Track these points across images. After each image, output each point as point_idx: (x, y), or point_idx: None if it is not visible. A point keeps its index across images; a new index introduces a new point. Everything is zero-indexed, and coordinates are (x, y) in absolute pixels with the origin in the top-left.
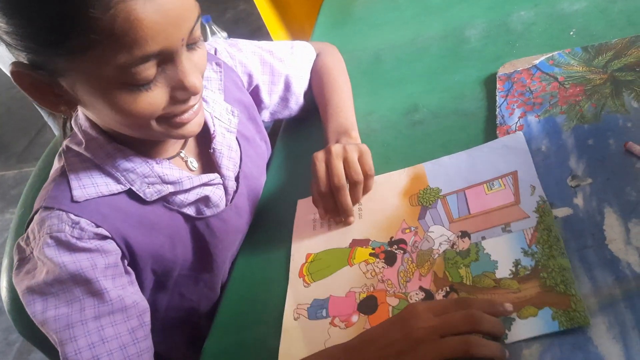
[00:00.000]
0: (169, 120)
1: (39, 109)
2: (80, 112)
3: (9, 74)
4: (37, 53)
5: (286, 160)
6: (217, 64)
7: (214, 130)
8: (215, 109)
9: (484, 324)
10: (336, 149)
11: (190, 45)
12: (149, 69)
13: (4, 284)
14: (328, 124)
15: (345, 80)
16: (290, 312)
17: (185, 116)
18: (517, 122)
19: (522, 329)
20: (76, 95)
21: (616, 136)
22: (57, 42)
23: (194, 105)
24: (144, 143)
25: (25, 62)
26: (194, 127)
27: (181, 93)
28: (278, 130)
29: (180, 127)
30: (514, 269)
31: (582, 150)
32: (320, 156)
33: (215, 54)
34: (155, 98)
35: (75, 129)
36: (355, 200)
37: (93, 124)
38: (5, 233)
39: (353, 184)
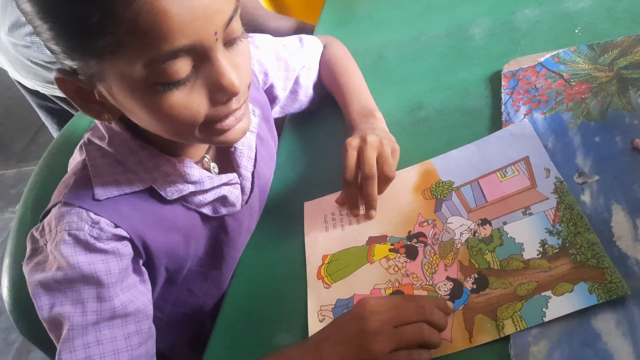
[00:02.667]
0: (211, 127)
1: (37, 110)
2: None
3: (9, 73)
4: (72, 57)
5: (291, 156)
6: None
7: None
8: None
9: (433, 315)
10: (372, 140)
11: (229, 42)
12: (181, 66)
13: (5, 283)
14: (350, 107)
15: (356, 67)
16: (315, 315)
17: (227, 122)
18: (522, 119)
19: (561, 305)
20: (116, 101)
21: (623, 133)
22: (86, 44)
23: (238, 109)
24: (168, 143)
25: (67, 68)
26: (237, 134)
27: (220, 94)
28: (281, 127)
29: (221, 134)
30: (541, 249)
31: (588, 148)
32: (354, 143)
33: None
34: (192, 100)
35: (98, 123)
36: (379, 193)
37: (118, 119)
38: (5, 232)
39: (383, 179)
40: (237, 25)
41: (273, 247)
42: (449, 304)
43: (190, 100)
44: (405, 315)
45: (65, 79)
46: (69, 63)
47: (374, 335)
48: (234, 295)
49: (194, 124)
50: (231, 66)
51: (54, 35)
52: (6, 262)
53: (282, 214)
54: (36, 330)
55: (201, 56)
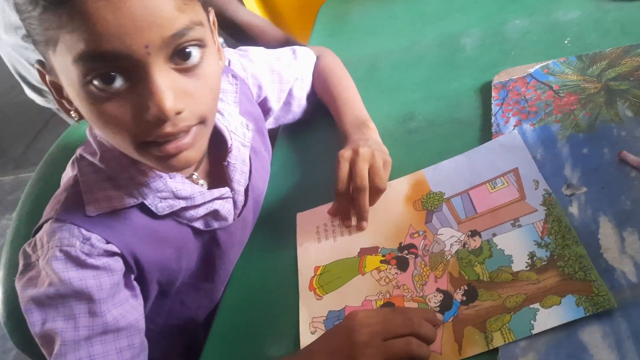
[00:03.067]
0: (147, 149)
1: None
2: None
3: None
4: (37, 49)
5: (285, 167)
6: (234, 76)
7: (230, 144)
8: (230, 122)
9: (422, 327)
10: (364, 152)
11: (179, 59)
12: (109, 72)
13: (0, 296)
14: (343, 117)
15: (349, 78)
16: (306, 327)
17: (166, 147)
18: (512, 130)
19: (548, 317)
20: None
21: (610, 145)
22: (36, 37)
23: (176, 134)
24: None
25: (40, 58)
26: (178, 163)
27: (146, 114)
28: (274, 137)
29: (160, 160)
30: (530, 261)
31: (576, 159)
32: (346, 155)
33: (229, 65)
34: (122, 113)
35: (90, 139)
36: (371, 204)
37: None
38: (2, 239)
39: (375, 191)
40: (195, 47)
41: (266, 258)
42: (439, 315)
43: (120, 113)
44: (394, 328)
45: (39, 69)
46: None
47: (363, 347)
48: (227, 306)
49: (125, 138)
50: (170, 88)
51: (25, 29)
52: (1, 274)
53: (275, 225)
54: (31, 342)
55: (134, 70)
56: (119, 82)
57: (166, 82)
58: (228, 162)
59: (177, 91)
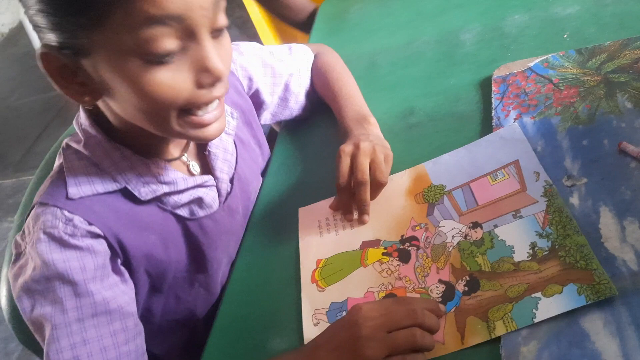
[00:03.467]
0: (189, 118)
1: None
2: (81, 111)
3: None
4: (61, 28)
5: (285, 163)
6: None
7: None
8: None
9: (425, 318)
10: (365, 146)
11: (215, 32)
12: (169, 39)
13: (4, 292)
14: (344, 112)
15: (349, 74)
16: (309, 318)
17: (205, 117)
18: (512, 123)
19: (550, 306)
20: (100, 79)
21: (610, 136)
22: (76, 12)
23: (217, 97)
24: (145, 144)
25: (52, 44)
26: (213, 131)
27: (205, 76)
28: (276, 133)
29: (199, 127)
30: (531, 252)
31: (577, 151)
32: (347, 149)
33: None
34: (176, 80)
35: (76, 128)
36: (372, 198)
37: (93, 123)
38: (3, 242)
39: (376, 185)
40: (223, 17)
41: (268, 252)
42: (441, 306)
43: (175, 79)
44: (398, 320)
45: (49, 54)
46: (54, 37)
47: (367, 341)
48: (229, 300)
49: (174, 104)
50: (217, 53)
51: (42, 6)
52: (4, 271)
53: (276, 220)
54: (35, 339)
55: (189, 34)
56: (172, 46)
57: (212, 46)
58: (209, 150)
59: (219, 54)
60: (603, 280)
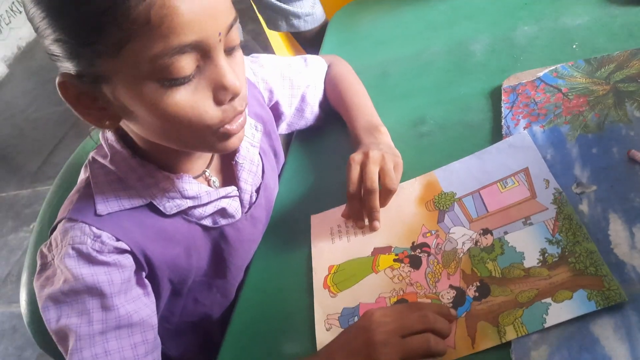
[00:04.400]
0: (217, 130)
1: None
2: None
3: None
4: (79, 57)
5: (298, 170)
6: None
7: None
8: None
9: (437, 323)
10: (375, 155)
11: (229, 50)
12: (187, 63)
13: (24, 297)
14: (355, 122)
15: (361, 85)
16: (322, 324)
17: (234, 126)
18: (522, 131)
19: (560, 312)
20: (120, 104)
21: (619, 145)
22: (96, 40)
23: (242, 112)
24: (169, 159)
25: (70, 72)
26: (236, 141)
27: (223, 93)
28: (290, 140)
29: (225, 139)
30: (541, 258)
31: (586, 159)
32: (357, 158)
33: None
34: (197, 100)
35: (102, 142)
36: (382, 206)
37: (119, 138)
38: (19, 251)
39: (386, 192)
40: (236, 35)
41: (281, 258)
42: (452, 311)
43: (194, 99)
44: (410, 325)
45: (68, 83)
46: (71, 66)
47: (381, 346)
48: (243, 305)
49: (201, 123)
50: (232, 69)
51: (60, 36)
52: (24, 277)
53: (289, 227)
54: (53, 343)
55: (205, 55)
56: (190, 70)
57: (227, 63)
58: (236, 161)
59: (234, 70)
60: (613, 286)
